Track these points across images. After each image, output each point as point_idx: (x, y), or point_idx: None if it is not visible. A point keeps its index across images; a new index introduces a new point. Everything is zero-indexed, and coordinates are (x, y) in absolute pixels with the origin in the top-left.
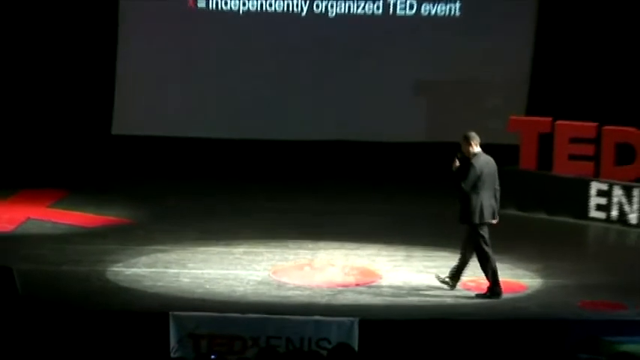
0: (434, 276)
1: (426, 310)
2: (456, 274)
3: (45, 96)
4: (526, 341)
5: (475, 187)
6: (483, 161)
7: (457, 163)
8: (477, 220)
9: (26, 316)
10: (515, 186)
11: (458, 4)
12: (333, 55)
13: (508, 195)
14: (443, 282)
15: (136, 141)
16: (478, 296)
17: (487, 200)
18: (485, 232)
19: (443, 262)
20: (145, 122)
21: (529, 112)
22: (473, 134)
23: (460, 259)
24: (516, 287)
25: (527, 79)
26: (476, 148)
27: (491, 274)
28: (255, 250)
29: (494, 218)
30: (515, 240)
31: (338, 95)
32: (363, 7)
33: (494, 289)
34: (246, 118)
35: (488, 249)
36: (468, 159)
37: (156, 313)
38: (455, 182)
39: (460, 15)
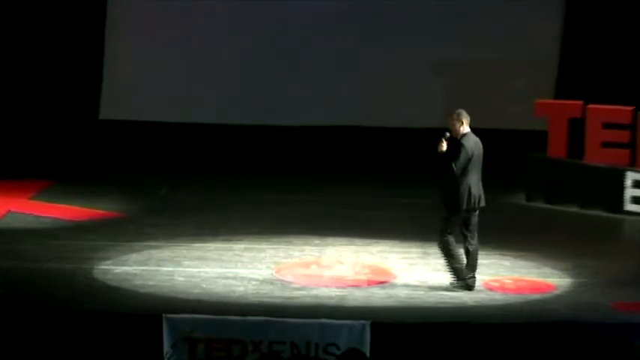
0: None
1: (445, 313)
2: (469, 270)
3: (26, 78)
4: (554, 346)
5: (465, 170)
6: (473, 142)
7: (444, 144)
8: (464, 206)
9: (6, 316)
10: (543, 176)
11: None
12: (339, 33)
13: (535, 186)
14: (460, 288)
15: (126, 127)
16: (452, 284)
17: (475, 185)
18: (457, 221)
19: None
20: (136, 106)
21: (558, 94)
22: (464, 112)
23: (465, 253)
24: (544, 287)
25: (555, 59)
26: (466, 128)
27: (449, 262)
28: (256, 246)
29: (481, 204)
30: (543, 235)
31: (345, 76)
32: None
33: (457, 275)
34: (245, 101)
35: (451, 239)
36: (456, 139)
37: (148, 315)
38: (442, 165)
39: None
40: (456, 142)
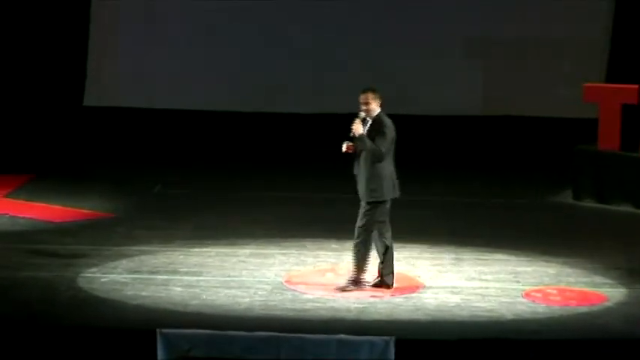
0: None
1: (480, 328)
2: (388, 268)
3: (3, 62)
4: None
5: (387, 154)
6: (390, 123)
7: (360, 127)
8: (389, 196)
9: None
10: (593, 171)
11: None
12: (362, 8)
13: (584, 183)
14: (377, 286)
15: (114, 114)
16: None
17: (394, 171)
18: (386, 212)
19: (501, 267)
20: (125, 91)
21: (610, 78)
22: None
23: (384, 248)
24: (594, 298)
25: (607, 37)
26: (378, 107)
27: (361, 259)
28: (264, 251)
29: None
30: (593, 239)
31: (370, 57)
32: None
33: (357, 277)
34: (250, 85)
35: (373, 235)
36: (374, 120)
37: (140, 330)
38: (359, 149)
39: None
40: (377, 123)
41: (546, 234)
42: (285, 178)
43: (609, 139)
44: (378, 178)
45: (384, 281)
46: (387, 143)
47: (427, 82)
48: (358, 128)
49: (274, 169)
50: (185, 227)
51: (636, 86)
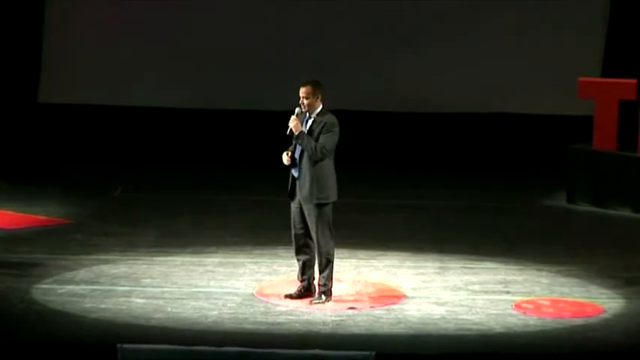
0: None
1: (467, 342)
2: (310, 278)
3: None
4: None
5: (331, 153)
6: (338, 122)
7: (298, 124)
8: (334, 197)
9: None
10: (589, 172)
11: None
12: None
13: (579, 185)
14: (298, 297)
15: (71, 112)
16: (314, 302)
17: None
18: (330, 214)
19: (489, 276)
20: (81, 87)
21: (605, 72)
22: None
23: (305, 257)
24: (590, 310)
25: (603, 28)
26: (320, 103)
27: (328, 265)
28: (233, 259)
29: None
30: (589, 245)
31: (357, 52)
32: None
33: (330, 288)
34: (219, 81)
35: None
36: (321, 119)
37: (99, 345)
38: (298, 147)
39: None
40: (325, 119)
41: (538, 240)
42: (257, 180)
43: (606, 138)
44: (326, 178)
45: (310, 289)
46: (333, 143)
47: (418, 79)
48: (297, 126)
49: (245, 171)
50: (148, 234)
51: (634, 81)
